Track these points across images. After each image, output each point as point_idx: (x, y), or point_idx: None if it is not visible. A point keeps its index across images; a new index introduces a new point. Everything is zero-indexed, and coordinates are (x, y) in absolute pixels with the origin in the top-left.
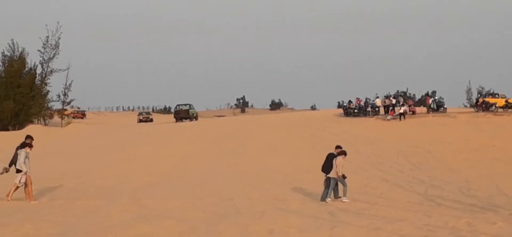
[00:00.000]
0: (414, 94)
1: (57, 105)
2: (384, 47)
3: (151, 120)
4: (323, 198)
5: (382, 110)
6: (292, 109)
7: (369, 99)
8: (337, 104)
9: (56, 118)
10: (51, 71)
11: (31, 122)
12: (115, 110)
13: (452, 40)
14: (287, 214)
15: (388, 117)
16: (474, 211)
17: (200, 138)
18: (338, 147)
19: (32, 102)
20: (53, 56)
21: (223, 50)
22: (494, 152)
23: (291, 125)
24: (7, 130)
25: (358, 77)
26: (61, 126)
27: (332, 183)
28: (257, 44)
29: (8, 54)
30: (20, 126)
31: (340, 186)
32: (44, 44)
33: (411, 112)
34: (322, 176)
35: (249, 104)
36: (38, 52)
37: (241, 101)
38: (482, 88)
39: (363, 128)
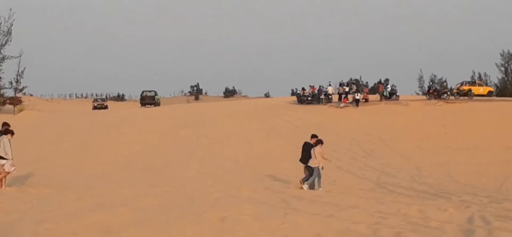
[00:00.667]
0: (367, 82)
1: (9, 93)
2: (337, 34)
3: (106, 107)
4: (312, 187)
5: (335, 98)
6: (246, 96)
7: (323, 87)
8: (291, 92)
9: (8, 106)
10: (3, 58)
11: None
12: (68, 97)
13: (404, 28)
14: (241, 201)
15: (342, 105)
16: (426, 198)
17: (155, 127)
18: (313, 136)
19: None
20: (5, 43)
21: (177, 36)
22: (446, 140)
23: (245, 113)
24: None
25: (312, 65)
26: (14, 113)
27: (316, 171)
28: (211, 30)
29: None
30: None
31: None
32: None
33: (364, 100)
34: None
35: (203, 91)
36: None
37: (195, 88)
38: (434, 76)
39: (316, 115)
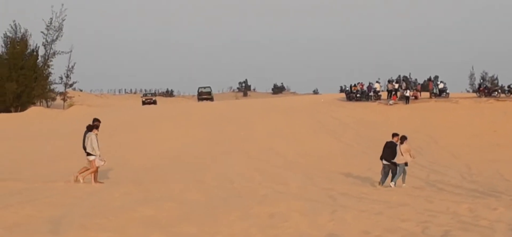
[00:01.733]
0: (416, 79)
1: (59, 88)
2: (387, 31)
3: (155, 102)
4: (382, 183)
5: (384, 95)
6: (294, 93)
7: (372, 84)
8: (339, 88)
9: (59, 100)
10: (54, 53)
11: (33, 104)
12: (117, 93)
13: (456, 24)
14: (289, 197)
15: (391, 102)
16: (475, 197)
17: (203, 122)
18: (395, 134)
19: (34, 84)
20: (56, 38)
21: (226, 32)
22: (496, 137)
23: (293, 109)
24: (9, 111)
25: (361, 61)
26: (63, 108)
27: (401, 168)
28: (260, 27)
29: (11, 35)
30: (22, 108)
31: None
32: (47, 26)
33: (413, 97)
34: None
35: (251, 88)
36: (41, 34)
37: (243, 84)
38: (486, 73)
39: (365, 112)
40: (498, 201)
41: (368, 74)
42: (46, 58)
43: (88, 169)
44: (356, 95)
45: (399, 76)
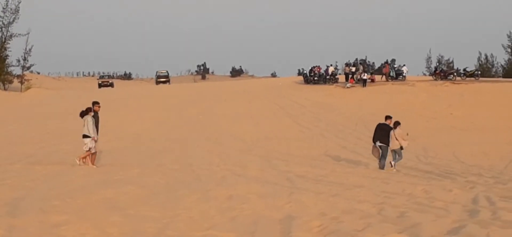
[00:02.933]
0: (373, 62)
1: (16, 70)
2: (345, 14)
3: (112, 85)
4: (382, 167)
5: (342, 78)
6: (252, 76)
7: (328, 67)
8: (297, 71)
9: (16, 83)
10: (11, 36)
11: None
12: (75, 76)
13: (412, 8)
14: (247, 180)
15: (348, 85)
16: (431, 178)
17: (162, 105)
18: (388, 117)
19: None
20: (13, 20)
21: (184, 16)
22: (452, 120)
23: (252, 92)
24: None
25: (319, 45)
26: (21, 91)
27: (394, 152)
28: (218, 9)
29: None
30: None
31: (389, 154)
32: (4, 8)
33: (370, 80)
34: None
35: (210, 71)
36: None
37: (201, 68)
38: (442, 57)
39: (323, 95)
40: (453, 183)
41: (326, 58)
42: (3, 41)
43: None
44: (313, 78)
45: (357, 59)
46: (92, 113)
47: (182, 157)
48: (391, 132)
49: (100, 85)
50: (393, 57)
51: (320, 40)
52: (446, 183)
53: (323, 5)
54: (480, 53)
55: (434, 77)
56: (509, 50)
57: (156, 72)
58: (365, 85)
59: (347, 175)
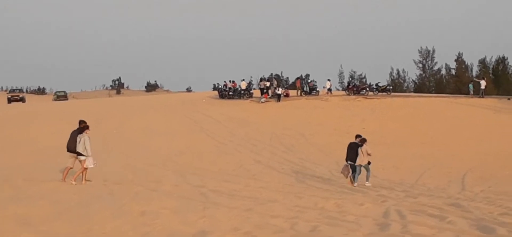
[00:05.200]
0: (287, 77)
1: None
2: (259, 29)
3: (22, 99)
4: (354, 181)
5: (257, 93)
6: (167, 91)
7: (246, 82)
8: (212, 86)
9: None
10: None
11: None
12: None
13: (326, 25)
14: (161, 195)
15: (263, 99)
16: (344, 193)
17: (74, 119)
18: (358, 136)
19: None
20: None
21: (99, 29)
22: (364, 134)
23: (167, 107)
24: None
25: (234, 60)
26: None
27: (358, 169)
28: (133, 24)
29: None
30: None
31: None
32: None
33: (285, 95)
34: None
35: (125, 85)
36: None
37: (116, 82)
38: (354, 72)
39: (238, 110)
40: (365, 197)
41: (240, 73)
42: None
43: (71, 169)
44: (228, 93)
45: (271, 74)
46: (88, 131)
47: (95, 172)
48: (359, 149)
49: (9, 100)
50: (307, 73)
51: (235, 56)
52: (358, 197)
53: (237, 22)
54: (392, 69)
55: (347, 92)
56: (420, 65)
57: (55, 92)
58: (280, 100)
59: (260, 189)
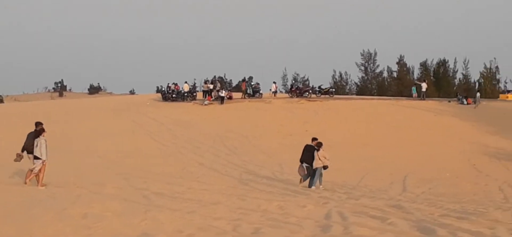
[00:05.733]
0: (231, 80)
1: None
2: (203, 31)
3: None
4: (310, 186)
5: (200, 95)
6: (111, 93)
7: (189, 84)
8: (156, 89)
9: None
10: None
11: None
12: None
13: (270, 28)
14: (103, 198)
15: (206, 102)
16: (287, 195)
17: (17, 122)
18: (314, 139)
19: None
20: None
21: (40, 31)
22: (307, 137)
23: (110, 109)
24: None
25: (177, 62)
26: None
27: (318, 171)
28: (75, 25)
29: None
30: None
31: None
32: None
33: (228, 97)
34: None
35: (68, 88)
36: None
37: (59, 85)
38: (297, 74)
39: (181, 112)
40: (308, 199)
41: (184, 75)
42: None
43: (33, 172)
44: (172, 95)
45: (215, 77)
46: (45, 134)
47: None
48: (315, 153)
49: None
50: (251, 75)
51: (179, 58)
52: (301, 199)
53: (180, 23)
54: (335, 71)
55: (290, 95)
56: (362, 68)
57: None
58: (223, 103)
59: (203, 192)
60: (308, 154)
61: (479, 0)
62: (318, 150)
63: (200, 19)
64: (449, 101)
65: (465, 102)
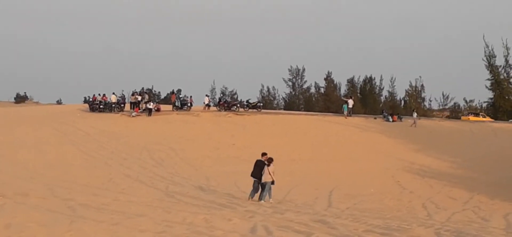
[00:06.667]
0: (159, 92)
1: None
2: (130, 43)
3: None
4: (260, 199)
5: (128, 106)
6: (37, 103)
7: (116, 95)
8: (83, 99)
9: None
10: None
11: None
12: None
13: (200, 40)
14: (27, 208)
15: (134, 113)
16: (213, 208)
17: None
18: (264, 154)
19: None
20: None
21: None
22: (234, 150)
23: (36, 119)
24: None
25: (105, 72)
26: None
27: (267, 186)
28: (1, 31)
29: None
30: None
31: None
32: None
33: (156, 109)
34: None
35: None
36: None
37: None
38: (226, 88)
39: (108, 123)
40: (234, 212)
41: (113, 86)
42: None
43: None
44: (99, 106)
45: (143, 88)
46: None
47: None
48: (265, 167)
49: None
50: (179, 88)
51: (107, 69)
52: (227, 212)
53: (108, 34)
54: (263, 86)
55: (218, 108)
56: (290, 83)
57: None
58: (151, 115)
59: (129, 203)
60: (258, 168)
61: (406, 19)
62: (268, 165)
63: (127, 31)
64: (375, 118)
65: (391, 119)
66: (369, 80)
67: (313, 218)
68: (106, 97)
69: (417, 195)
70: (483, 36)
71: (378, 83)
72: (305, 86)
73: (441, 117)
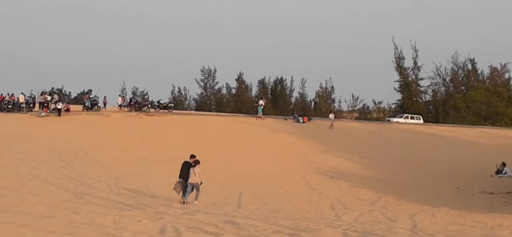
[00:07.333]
0: (70, 92)
1: None
2: (41, 42)
3: None
4: (184, 195)
5: (37, 106)
6: None
7: (25, 95)
8: None
9: None
10: None
11: None
12: None
13: (110, 40)
14: None
15: (43, 114)
16: (122, 209)
17: None
18: (192, 156)
19: None
20: None
21: None
22: (145, 151)
23: None
24: None
25: (11, 72)
26: None
27: (189, 187)
28: None
29: None
30: None
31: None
32: None
33: (66, 110)
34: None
35: None
36: None
37: None
38: (136, 88)
39: (17, 124)
40: (143, 213)
41: (22, 86)
42: None
43: None
44: (7, 106)
45: (52, 88)
46: None
47: None
48: (191, 169)
49: None
50: (90, 88)
51: (15, 68)
52: (136, 213)
53: (17, 32)
54: (174, 86)
55: (129, 109)
56: (202, 84)
57: None
58: (60, 115)
59: (37, 205)
60: (185, 170)
61: (317, 21)
62: (194, 166)
63: (36, 28)
64: (285, 119)
65: (301, 120)
66: (280, 82)
67: (223, 219)
68: (14, 97)
69: (326, 195)
70: (393, 38)
71: (289, 84)
72: (216, 87)
73: (350, 118)
